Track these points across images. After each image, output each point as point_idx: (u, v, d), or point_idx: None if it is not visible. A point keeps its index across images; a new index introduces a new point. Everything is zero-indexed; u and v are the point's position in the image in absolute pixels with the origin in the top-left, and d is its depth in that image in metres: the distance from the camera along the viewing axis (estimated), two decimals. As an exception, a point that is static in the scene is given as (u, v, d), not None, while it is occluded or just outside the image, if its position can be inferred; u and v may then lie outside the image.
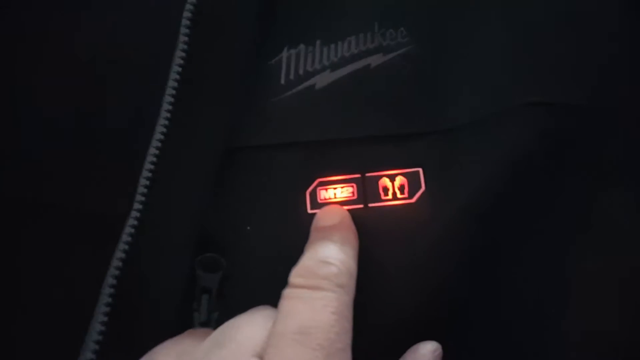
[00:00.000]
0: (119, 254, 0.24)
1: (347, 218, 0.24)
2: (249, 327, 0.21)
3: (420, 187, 0.25)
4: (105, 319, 0.23)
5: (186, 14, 0.27)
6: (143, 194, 0.25)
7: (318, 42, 0.28)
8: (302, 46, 0.28)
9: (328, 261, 0.22)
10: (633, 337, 0.23)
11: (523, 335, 0.24)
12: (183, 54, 0.26)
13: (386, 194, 0.25)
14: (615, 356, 0.23)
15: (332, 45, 0.27)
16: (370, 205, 0.25)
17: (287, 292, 0.22)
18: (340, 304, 0.21)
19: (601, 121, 0.25)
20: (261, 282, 0.25)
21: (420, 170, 0.25)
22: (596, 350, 0.23)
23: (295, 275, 0.22)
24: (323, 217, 0.24)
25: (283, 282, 0.24)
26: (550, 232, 0.24)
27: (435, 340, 0.23)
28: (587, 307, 0.24)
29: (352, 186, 0.25)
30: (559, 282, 0.24)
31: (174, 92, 0.26)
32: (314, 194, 0.25)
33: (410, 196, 0.25)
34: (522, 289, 0.24)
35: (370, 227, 0.24)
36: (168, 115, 0.26)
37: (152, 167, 0.25)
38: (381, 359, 0.23)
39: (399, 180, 0.25)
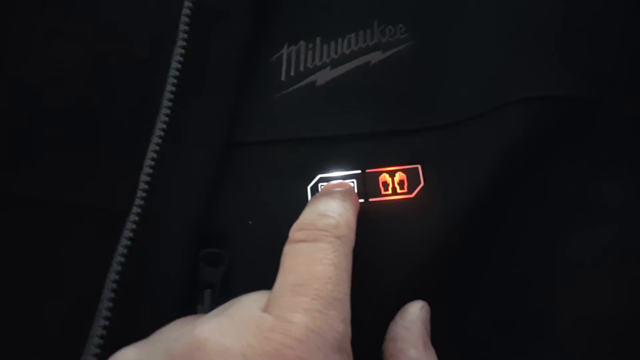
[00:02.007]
0: (121, 250, 0.24)
1: (349, 185, 0.25)
2: (253, 294, 0.21)
3: (419, 182, 0.25)
4: (109, 313, 0.24)
5: (185, 10, 0.27)
6: (144, 190, 0.25)
7: (318, 39, 0.28)
8: (302, 43, 0.28)
9: (327, 214, 0.22)
10: (625, 320, 0.24)
11: (515, 315, 0.25)
12: (182, 51, 0.27)
13: (386, 189, 0.25)
14: (609, 339, 0.24)
15: (332, 43, 0.28)
16: (371, 200, 0.25)
17: (286, 249, 0.22)
18: (338, 254, 0.21)
19: (597, 112, 0.25)
20: (263, 275, 0.25)
21: (419, 166, 0.25)
22: (589, 334, 0.24)
23: (294, 230, 0.22)
24: (326, 186, 0.25)
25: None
26: (546, 222, 0.25)
27: (437, 317, 0.23)
28: (581, 291, 0.24)
29: (353, 181, 0.26)
30: (554, 270, 0.25)
31: (174, 88, 0.26)
32: (315, 189, 0.26)
33: (410, 191, 0.25)
34: (517, 278, 0.25)
35: (370, 221, 0.24)
36: (168, 111, 0.26)
37: (152, 163, 0.25)
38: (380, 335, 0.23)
39: (398, 176, 0.25)
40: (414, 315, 0.23)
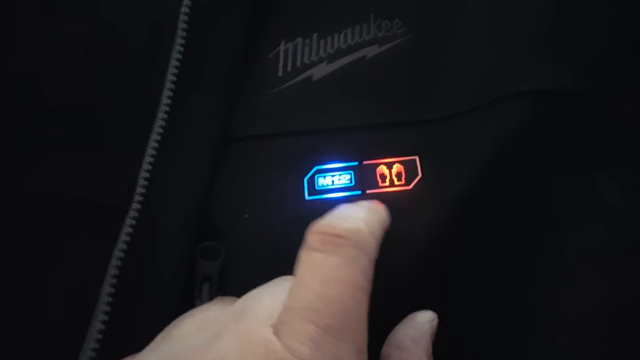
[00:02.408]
0: (121, 245, 0.24)
1: (381, 204, 0.23)
2: (268, 299, 0.20)
3: (417, 174, 0.25)
4: (108, 308, 0.24)
5: (184, 9, 0.27)
6: (144, 186, 0.25)
7: (315, 35, 0.28)
8: (299, 39, 0.28)
9: (348, 217, 0.20)
10: (622, 318, 0.24)
11: (513, 313, 0.24)
12: (181, 48, 0.27)
13: (384, 181, 0.25)
14: (607, 337, 0.23)
15: (329, 38, 0.28)
16: (368, 192, 0.25)
17: (301, 256, 0.20)
18: (356, 271, 0.19)
19: (594, 109, 0.25)
20: (261, 268, 0.25)
21: (417, 158, 0.25)
22: (586, 331, 0.24)
23: (311, 232, 0.20)
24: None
25: (282, 268, 0.24)
26: (542, 217, 0.25)
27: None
28: (579, 288, 0.24)
29: (350, 173, 0.26)
30: (550, 266, 0.24)
31: (173, 85, 0.26)
32: (311, 181, 0.26)
33: (407, 183, 0.25)
34: (514, 273, 0.25)
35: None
36: (167, 108, 0.26)
37: (152, 159, 0.26)
38: (376, 331, 0.23)
39: (396, 167, 0.25)
40: (424, 329, 0.22)
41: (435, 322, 0.22)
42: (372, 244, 0.20)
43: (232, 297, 0.23)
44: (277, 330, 0.18)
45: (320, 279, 0.19)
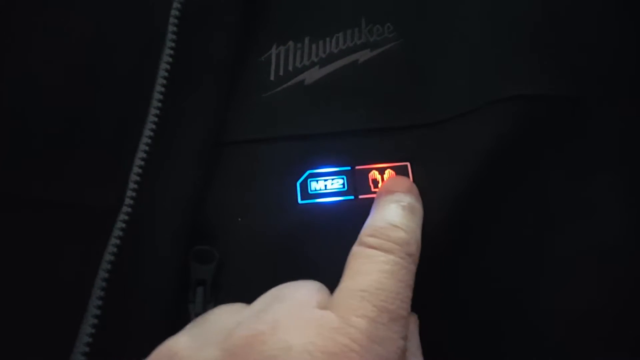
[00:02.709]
0: (111, 248, 0.24)
1: (415, 188, 0.25)
2: (305, 288, 0.21)
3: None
4: (99, 312, 0.23)
5: (174, 12, 0.27)
6: (134, 189, 0.25)
7: (307, 39, 0.28)
8: (291, 43, 0.28)
9: (399, 227, 0.22)
10: (611, 318, 0.24)
11: (510, 313, 0.25)
12: (171, 51, 0.27)
13: (376, 187, 0.26)
14: (596, 337, 0.24)
15: (321, 42, 0.28)
16: (361, 197, 0.26)
17: (356, 250, 0.22)
18: (408, 272, 0.21)
19: (584, 111, 0.26)
20: (255, 271, 0.25)
21: (409, 164, 0.26)
22: (576, 331, 0.24)
23: (367, 235, 0.22)
24: (393, 182, 0.25)
25: (276, 271, 0.24)
26: (535, 217, 0.25)
27: (425, 315, 0.24)
28: (569, 289, 0.25)
29: (343, 178, 0.26)
30: (541, 268, 0.25)
31: (163, 89, 0.26)
32: (304, 185, 0.26)
33: None
34: (505, 275, 0.25)
35: (360, 217, 0.24)
36: (158, 111, 0.26)
37: (142, 163, 0.25)
38: None
39: (388, 173, 0.26)
40: (411, 326, 0.23)
41: (418, 321, 0.24)
42: (418, 254, 0.22)
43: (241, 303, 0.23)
44: (332, 306, 0.20)
45: (377, 269, 0.21)
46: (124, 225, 0.25)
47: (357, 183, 0.26)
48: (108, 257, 0.24)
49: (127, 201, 0.25)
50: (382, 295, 0.20)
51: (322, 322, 0.19)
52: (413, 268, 0.22)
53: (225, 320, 0.21)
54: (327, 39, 0.28)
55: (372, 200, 0.25)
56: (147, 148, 0.26)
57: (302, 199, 0.26)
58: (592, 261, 0.25)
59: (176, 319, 0.24)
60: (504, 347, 0.25)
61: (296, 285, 0.22)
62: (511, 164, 0.25)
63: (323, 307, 0.20)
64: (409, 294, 0.21)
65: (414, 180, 0.26)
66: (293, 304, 0.20)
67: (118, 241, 0.24)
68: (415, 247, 0.22)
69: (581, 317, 0.24)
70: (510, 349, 0.25)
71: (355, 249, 0.22)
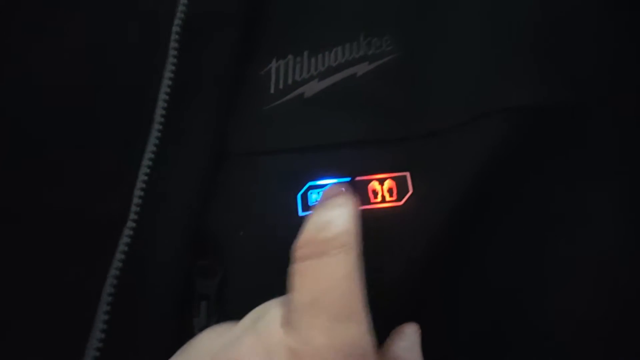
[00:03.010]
0: (117, 263, 0.25)
1: (342, 190, 0.25)
2: (274, 307, 0.21)
3: (407, 190, 0.26)
4: (105, 326, 0.24)
5: (175, 28, 0.28)
6: (138, 205, 0.25)
7: (306, 53, 0.29)
8: (290, 57, 0.29)
9: (326, 225, 0.22)
10: (609, 318, 0.24)
11: (509, 320, 0.25)
12: (173, 67, 0.27)
13: (375, 197, 0.26)
14: (593, 343, 0.24)
15: (320, 56, 0.28)
16: (361, 208, 0.26)
17: (292, 267, 0.22)
18: (346, 265, 0.21)
19: (576, 121, 0.26)
20: (257, 285, 0.25)
21: (408, 174, 0.26)
22: (569, 332, 0.24)
23: (298, 248, 0.22)
24: (323, 194, 0.25)
25: (278, 284, 0.24)
26: (528, 226, 0.26)
27: (426, 321, 0.24)
28: (565, 295, 0.25)
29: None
30: (538, 275, 0.25)
31: (165, 104, 0.27)
32: (305, 197, 0.26)
33: (399, 199, 0.26)
34: (504, 283, 0.25)
35: (360, 228, 0.24)
36: (161, 126, 0.27)
37: (146, 178, 0.26)
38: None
39: (387, 183, 0.26)
40: (413, 338, 0.23)
41: (420, 331, 0.24)
42: (353, 242, 0.22)
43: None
44: (289, 328, 0.20)
45: (317, 278, 0.21)
46: (129, 239, 0.25)
47: (357, 194, 0.26)
48: (114, 272, 0.25)
49: (132, 215, 0.25)
50: (327, 301, 0.20)
51: (285, 346, 0.19)
52: (352, 257, 0.21)
53: (208, 345, 0.21)
54: (326, 53, 0.28)
55: (372, 211, 0.25)
56: (150, 163, 0.26)
57: (303, 211, 0.26)
58: (591, 268, 0.25)
59: (181, 333, 0.24)
60: (504, 350, 0.25)
61: (271, 303, 0.22)
62: (509, 174, 0.25)
63: (286, 325, 0.20)
64: (356, 285, 0.21)
65: (414, 190, 0.26)
66: (263, 329, 0.21)
67: (123, 256, 0.25)
68: (346, 235, 0.22)
69: (581, 320, 0.24)
70: (511, 352, 0.25)
71: (292, 267, 0.22)
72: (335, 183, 0.26)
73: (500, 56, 0.27)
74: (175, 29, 0.28)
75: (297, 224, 0.26)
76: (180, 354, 0.22)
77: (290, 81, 0.28)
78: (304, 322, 0.20)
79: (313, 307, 0.20)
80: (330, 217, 0.23)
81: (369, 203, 0.26)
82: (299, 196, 0.26)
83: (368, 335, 0.20)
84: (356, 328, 0.20)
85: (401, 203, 0.25)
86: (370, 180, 0.26)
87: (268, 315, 0.21)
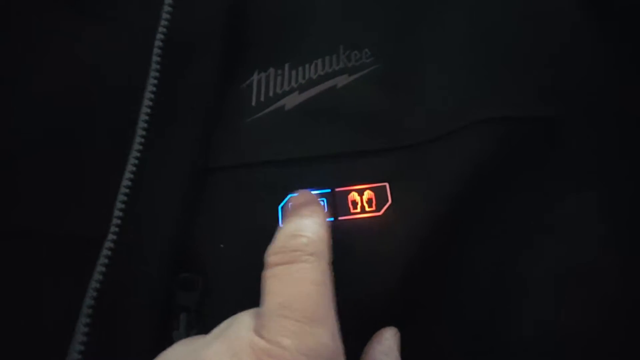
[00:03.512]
0: (97, 276, 0.25)
1: (311, 195, 0.25)
2: (247, 315, 0.22)
3: (387, 200, 0.26)
4: (85, 339, 0.24)
5: (157, 43, 0.28)
6: (119, 217, 0.25)
7: (287, 66, 0.29)
8: (271, 69, 0.29)
9: (297, 233, 0.23)
10: (588, 329, 0.25)
11: (482, 326, 0.25)
12: (155, 81, 0.27)
13: (355, 208, 0.26)
14: (569, 348, 0.24)
15: (300, 68, 0.29)
16: (340, 218, 0.26)
17: (265, 274, 0.22)
18: (315, 271, 0.22)
19: (557, 131, 0.26)
20: (238, 297, 0.25)
21: (387, 185, 0.26)
22: (551, 343, 0.25)
23: (269, 255, 0.23)
24: (292, 200, 0.25)
25: (260, 296, 0.25)
26: (511, 237, 0.26)
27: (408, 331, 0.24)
28: (542, 301, 0.25)
29: (323, 200, 0.26)
30: (519, 283, 0.25)
31: (147, 117, 0.27)
32: (286, 209, 0.26)
33: (378, 209, 0.26)
34: (484, 290, 0.26)
35: (340, 238, 0.24)
36: (142, 140, 0.27)
37: (127, 191, 0.26)
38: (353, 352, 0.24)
39: (367, 194, 0.26)
40: (391, 342, 0.24)
41: (398, 334, 0.24)
42: (323, 249, 0.23)
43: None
44: (258, 331, 0.20)
45: (286, 282, 0.21)
46: (109, 253, 0.25)
47: (337, 205, 0.26)
48: (94, 284, 0.25)
49: (113, 229, 0.25)
50: (296, 305, 0.20)
51: (253, 346, 0.20)
52: (322, 264, 0.22)
53: (178, 352, 0.21)
54: (307, 65, 0.29)
55: (351, 221, 0.26)
56: (132, 176, 0.26)
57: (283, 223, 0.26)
58: (570, 278, 0.25)
59: (161, 346, 0.24)
60: None
61: (243, 313, 0.22)
62: (489, 185, 0.26)
63: (257, 330, 0.21)
64: (324, 291, 0.21)
65: (392, 201, 0.26)
66: (233, 333, 0.21)
67: (104, 269, 0.25)
68: (317, 243, 0.23)
69: (563, 331, 0.25)
70: None
71: (264, 273, 0.22)
72: (304, 191, 0.26)
73: (481, 67, 0.27)
74: (157, 43, 0.28)
75: (278, 235, 0.26)
76: None
77: (271, 93, 0.28)
78: (272, 324, 0.20)
79: (282, 310, 0.20)
80: (301, 225, 0.23)
81: (349, 213, 0.26)
82: (280, 208, 0.26)
83: (337, 339, 0.21)
84: (324, 332, 0.20)
85: (380, 213, 0.26)
86: (350, 191, 0.26)
87: (237, 321, 0.21)
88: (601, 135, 0.27)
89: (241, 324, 0.21)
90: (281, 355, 0.19)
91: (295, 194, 0.26)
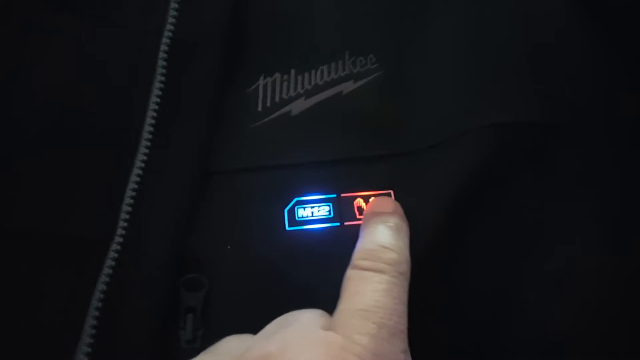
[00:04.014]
0: (104, 278, 0.25)
1: (399, 207, 0.26)
2: (309, 313, 0.22)
3: None
4: (92, 340, 0.24)
5: (163, 47, 0.28)
6: (126, 220, 0.26)
7: (293, 71, 0.29)
8: (277, 75, 0.29)
9: (389, 247, 0.23)
10: (579, 340, 0.25)
11: (485, 335, 0.26)
12: (161, 85, 0.27)
13: (361, 213, 0.26)
14: (569, 349, 0.25)
15: (306, 74, 0.29)
16: (346, 223, 0.26)
17: (351, 273, 0.23)
18: (401, 290, 0.22)
19: (552, 137, 0.27)
20: (243, 298, 0.26)
21: (392, 192, 0.27)
22: (548, 343, 0.25)
23: (360, 258, 0.23)
24: (378, 204, 0.26)
25: (266, 298, 0.25)
26: (510, 242, 0.26)
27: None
28: (538, 303, 0.26)
29: (329, 205, 0.27)
30: (515, 285, 0.26)
31: (153, 121, 0.27)
32: (292, 212, 0.27)
33: None
34: (485, 295, 0.26)
35: (346, 243, 0.25)
36: (148, 142, 0.27)
37: (133, 193, 0.26)
38: None
39: (372, 200, 0.27)
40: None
41: None
42: (409, 272, 0.23)
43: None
44: (335, 327, 0.20)
45: (373, 289, 0.22)
46: (116, 255, 0.25)
47: (343, 210, 0.26)
48: (101, 286, 0.25)
49: (119, 231, 0.25)
50: (380, 312, 0.21)
51: (327, 341, 0.20)
52: (405, 285, 0.23)
53: (235, 346, 0.22)
54: (313, 71, 0.29)
55: (357, 226, 0.26)
56: (138, 179, 0.26)
57: (289, 226, 0.26)
58: (565, 281, 0.26)
59: (168, 346, 0.25)
60: None
61: (300, 312, 0.23)
62: (489, 189, 0.26)
63: (327, 328, 0.21)
64: (404, 309, 0.22)
65: None
66: (299, 327, 0.21)
67: (111, 271, 0.25)
68: (405, 265, 0.23)
69: (556, 334, 0.25)
70: None
71: (350, 272, 0.23)
72: (388, 198, 0.26)
73: (482, 74, 0.28)
74: (162, 47, 0.28)
75: (284, 238, 0.26)
76: (203, 354, 0.22)
77: (277, 99, 0.29)
78: (352, 322, 0.20)
79: (363, 314, 0.21)
80: (391, 240, 0.24)
81: (355, 219, 0.26)
82: (285, 211, 0.27)
83: (405, 355, 0.21)
84: (398, 344, 0.21)
85: None
86: (356, 197, 0.27)
87: (302, 317, 0.22)
88: (592, 139, 0.27)
89: (305, 321, 0.21)
90: (358, 351, 0.19)
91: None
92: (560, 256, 0.26)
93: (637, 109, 0.28)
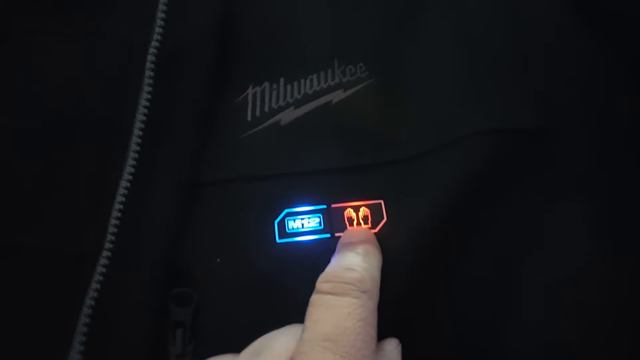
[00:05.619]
0: (92, 293, 0.24)
1: (372, 236, 0.25)
2: (282, 337, 0.22)
3: (382, 217, 0.26)
4: (81, 357, 0.24)
5: (150, 57, 0.28)
6: (114, 233, 0.25)
7: (282, 80, 0.29)
8: (266, 84, 0.29)
9: (352, 268, 0.23)
10: (580, 341, 0.25)
11: (479, 344, 0.26)
12: (149, 96, 0.27)
13: (351, 224, 0.26)
14: (565, 354, 0.25)
15: (295, 83, 0.29)
16: (337, 234, 0.26)
17: (314, 299, 0.23)
18: (365, 310, 0.22)
19: (546, 142, 0.27)
20: (233, 312, 0.25)
21: (382, 202, 0.26)
22: (545, 348, 0.25)
23: (322, 281, 0.23)
24: (348, 235, 0.26)
25: (255, 311, 0.25)
26: (505, 249, 0.26)
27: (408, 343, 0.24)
28: (538, 313, 0.26)
29: (319, 216, 0.26)
30: (513, 294, 0.26)
31: (141, 132, 0.27)
32: (282, 224, 0.26)
33: (374, 226, 0.26)
34: (479, 304, 0.26)
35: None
36: (136, 154, 0.26)
37: (121, 207, 0.26)
38: None
39: (362, 211, 0.26)
40: (394, 354, 0.24)
41: (400, 346, 0.24)
42: (375, 290, 0.23)
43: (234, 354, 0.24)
44: (296, 358, 0.20)
45: (335, 314, 0.21)
46: (104, 269, 0.25)
47: (333, 221, 0.26)
48: (89, 302, 0.24)
49: (107, 245, 0.25)
50: (342, 340, 0.21)
51: None
52: (371, 304, 0.22)
53: None
54: (302, 80, 0.29)
55: None
56: (126, 192, 0.26)
57: (280, 238, 0.26)
58: (561, 286, 0.26)
59: None
60: None
61: (277, 334, 0.22)
62: (481, 197, 0.26)
63: (295, 356, 0.21)
64: (370, 331, 0.22)
65: (387, 218, 0.26)
66: (268, 357, 0.21)
67: (98, 286, 0.25)
68: (370, 283, 0.23)
69: (553, 340, 0.25)
70: None
71: (313, 297, 0.23)
72: (363, 229, 0.26)
73: (472, 81, 0.27)
74: (150, 58, 0.28)
75: (274, 250, 0.26)
76: None
77: (266, 108, 0.28)
78: (314, 355, 0.20)
79: (326, 342, 0.20)
80: (357, 261, 0.24)
81: (345, 230, 0.26)
82: (276, 223, 0.27)
83: None
84: None
85: (376, 230, 0.26)
86: (346, 207, 0.27)
87: (275, 344, 0.22)
88: (588, 142, 0.27)
89: (274, 351, 0.21)
90: None
91: (353, 229, 0.26)
92: (560, 259, 0.26)
93: (632, 109, 0.28)
